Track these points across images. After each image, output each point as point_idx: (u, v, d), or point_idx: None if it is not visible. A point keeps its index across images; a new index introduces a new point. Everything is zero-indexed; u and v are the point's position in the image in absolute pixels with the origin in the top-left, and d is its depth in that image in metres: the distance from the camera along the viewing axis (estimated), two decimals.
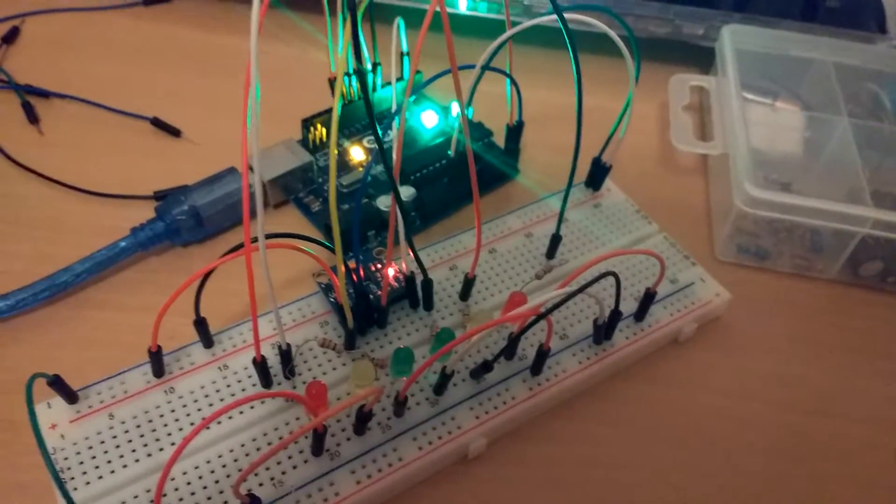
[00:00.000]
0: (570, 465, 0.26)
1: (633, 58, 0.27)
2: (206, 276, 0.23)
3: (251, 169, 0.20)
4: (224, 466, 0.23)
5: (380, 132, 0.21)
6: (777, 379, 0.29)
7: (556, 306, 0.22)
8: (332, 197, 0.22)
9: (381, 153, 0.21)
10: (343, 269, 0.23)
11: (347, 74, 0.35)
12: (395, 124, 0.24)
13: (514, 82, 0.31)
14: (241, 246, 0.22)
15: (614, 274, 0.24)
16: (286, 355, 0.25)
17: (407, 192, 0.32)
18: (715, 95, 0.36)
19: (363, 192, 0.23)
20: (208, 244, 0.31)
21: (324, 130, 0.35)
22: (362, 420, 0.24)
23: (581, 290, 0.22)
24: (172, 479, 0.23)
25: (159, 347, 0.24)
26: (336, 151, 0.34)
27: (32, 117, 0.36)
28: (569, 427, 0.27)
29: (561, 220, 0.29)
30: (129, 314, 0.29)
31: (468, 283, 0.28)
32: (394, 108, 0.36)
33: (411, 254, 0.25)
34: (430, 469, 0.24)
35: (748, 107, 0.35)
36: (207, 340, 0.26)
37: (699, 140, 0.35)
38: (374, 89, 0.36)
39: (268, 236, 0.22)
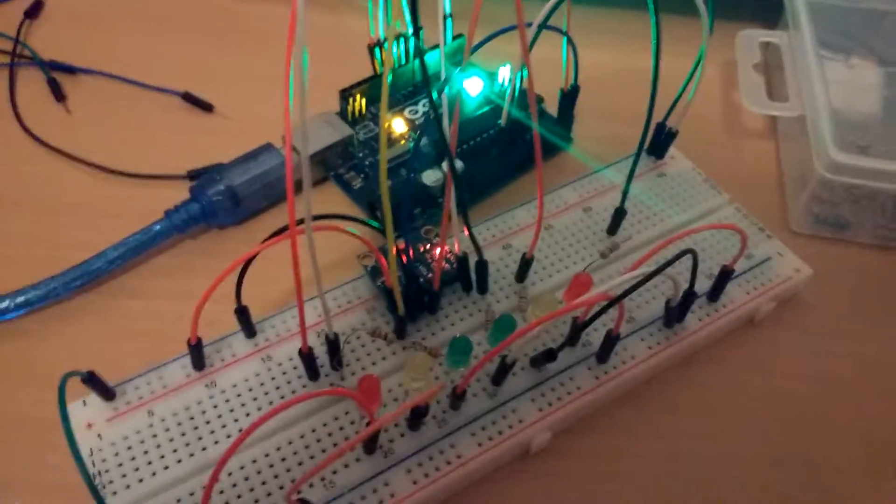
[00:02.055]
0: (641, 459, 0.24)
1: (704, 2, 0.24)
2: (248, 262, 0.21)
3: (295, 150, 0.18)
4: (271, 466, 0.22)
5: (435, 96, 0.18)
6: (863, 361, 0.26)
7: (630, 291, 0.20)
8: (382, 172, 0.20)
9: (436, 122, 0.19)
10: (394, 251, 0.21)
11: (379, 44, 0.32)
12: (445, 92, 0.22)
13: (571, 42, 0.28)
14: (284, 229, 0.20)
15: (693, 252, 0.22)
16: (333, 345, 0.23)
17: (456, 164, 0.30)
18: (787, 52, 0.33)
19: (413, 164, 0.21)
20: (246, 226, 0.30)
21: (363, 101, 0.33)
22: (417, 416, 0.22)
23: (658, 271, 0.20)
24: (217, 481, 0.21)
25: (199, 339, 0.23)
26: (387, 123, 0.32)
27: (59, 95, 0.34)
28: (638, 417, 0.25)
29: (626, 192, 0.26)
30: (166, 302, 0.27)
31: (526, 263, 0.26)
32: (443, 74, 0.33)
33: (465, 232, 0.23)
34: (490, 466, 0.23)
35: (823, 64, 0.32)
36: (249, 330, 0.24)
37: (772, 101, 0.32)
38: (415, 56, 0.34)
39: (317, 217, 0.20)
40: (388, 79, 0.18)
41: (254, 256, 0.21)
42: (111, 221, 0.29)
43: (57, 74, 0.35)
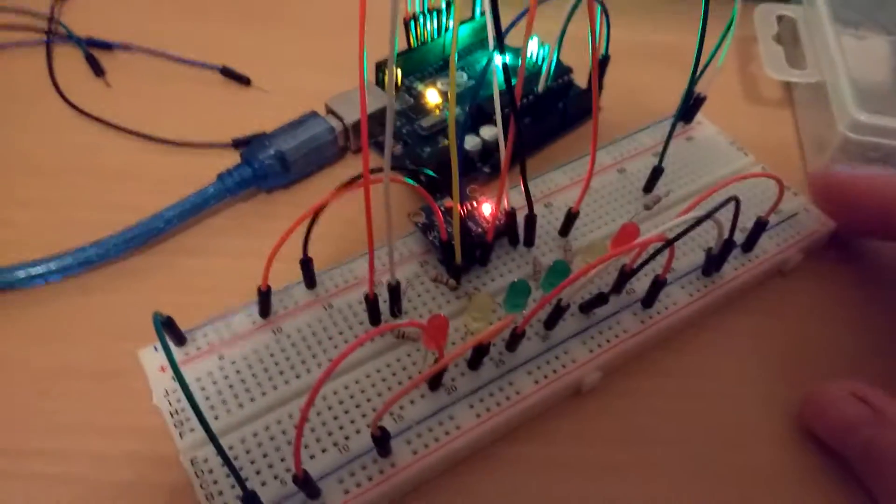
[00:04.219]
0: (684, 399, 0.25)
1: None
2: (318, 211, 0.23)
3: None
4: (341, 403, 0.23)
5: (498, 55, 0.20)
6: (883, 306, 0.28)
7: (685, 232, 0.22)
8: (451, 125, 0.21)
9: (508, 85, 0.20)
10: (458, 203, 0.23)
11: (415, 18, 0.33)
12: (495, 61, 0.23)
13: (605, 11, 0.29)
14: (358, 178, 0.22)
15: (736, 198, 0.23)
16: (395, 292, 0.24)
17: (489, 132, 0.31)
18: (802, 24, 0.35)
19: (466, 125, 0.23)
20: (293, 189, 0.31)
21: (399, 73, 0.34)
22: (479, 355, 0.23)
23: (710, 214, 0.22)
24: (290, 416, 0.22)
25: (269, 287, 0.24)
26: (455, 72, 0.33)
27: (98, 70, 0.35)
28: (680, 360, 0.26)
29: (665, 150, 0.28)
30: (223, 259, 0.28)
31: (571, 217, 0.27)
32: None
33: (522, 186, 0.25)
34: (546, 403, 0.24)
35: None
36: (311, 280, 0.25)
37: (791, 69, 0.33)
38: (447, 29, 0.35)
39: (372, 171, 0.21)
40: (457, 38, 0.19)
41: (324, 206, 0.22)
42: (159, 186, 0.29)
43: (93, 50, 0.36)
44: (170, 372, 0.23)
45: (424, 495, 0.22)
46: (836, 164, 0.30)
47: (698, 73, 0.29)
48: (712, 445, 0.24)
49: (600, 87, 0.34)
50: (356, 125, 0.31)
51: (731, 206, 0.23)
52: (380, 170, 0.22)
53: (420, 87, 0.34)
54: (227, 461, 0.18)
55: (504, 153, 0.23)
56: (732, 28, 0.27)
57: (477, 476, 0.23)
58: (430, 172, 0.24)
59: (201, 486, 0.21)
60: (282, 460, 0.21)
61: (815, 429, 0.24)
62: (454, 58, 0.20)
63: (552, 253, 0.27)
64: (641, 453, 0.24)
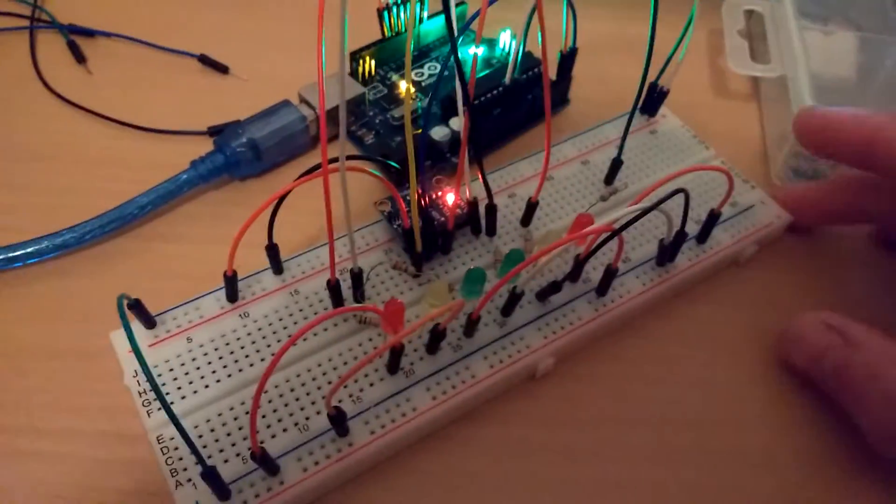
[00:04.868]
0: (638, 383, 0.26)
1: None
2: (282, 198, 0.23)
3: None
4: (303, 385, 0.24)
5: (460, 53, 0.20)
6: (836, 296, 0.29)
7: (631, 222, 0.22)
8: (407, 118, 0.22)
9: (460, 78, 0.21)
10: (417, 191, 0.24)
11: (388, 8, 0.34)
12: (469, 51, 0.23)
13: (570, 5, 0.30)
14: (317, 167, 0.22)
15: (685, 191, 0.24)
16: (357, 278, 0.25)
17: (459, 122, 0.32)
18: (769, 19, 0.36)
19: (428, 115, 0.23)
20: (265, 178, 0.32)
21: (372, 63, 0.35)
22: (436, 339, 0.24)
23: (656, 205, 0.22)
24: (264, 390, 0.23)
25: (235, 272, 0.25)
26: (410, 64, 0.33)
27: (79, 57, 0.36)
28: (634, 346, 0.27)
29: (623, 143, 0.28)
30: (194, 246, 0.29)
31: (531, 207, 0.28)
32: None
33: (480, 178, 0.25)
34: (501, 386, 0.25)
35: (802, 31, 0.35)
36: (277, 267, 0.26)
37: (755, 63, 0.34)
38: (421, 21, 0.36)
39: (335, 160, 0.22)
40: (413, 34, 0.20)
41: (287, 193, 0.23)
42: (136, 173, 0.30)
43: (76, 37, 0.37)
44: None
45: (381, 474, 0.23)
46: (793, 158, 0.31)
47: (657, 66, 0.30)
48: (666, 427, 0.25)
49: (569, 79, 0.35)
50: (329, 113, 0.32)
51: (683, 198, 0.24)
52: (355, 157, 0.23)
53: (394, 77, 0.35)
54: (185, 437, 0.19)
55: (464, 143, 0.24)
56: (692, 23, 0.28)
57: (433, 456, 0.24)
58: (393, 164, 0.25)
59: (167, 461, 0.22)
60: (244, 439, 0.22)
61: (791, 358, 0.26)
62: (410, 48, 0.21)
63: (514, 243, 0.28)
64: (595, 435, 0.25)
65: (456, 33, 0.24)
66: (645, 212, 0.22)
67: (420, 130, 0.32)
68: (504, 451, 0.24)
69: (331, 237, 0.23)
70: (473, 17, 0.23)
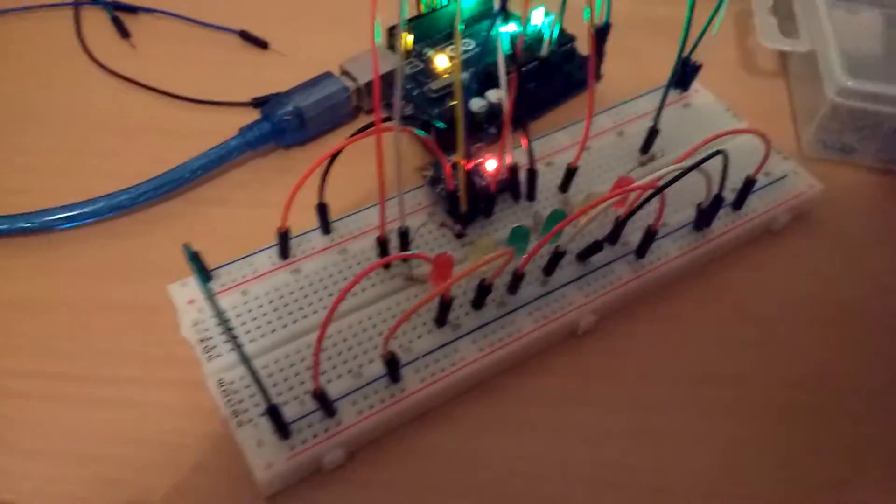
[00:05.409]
0: (676, 342, 0.27)
1: None
2: (334, 157, 0.24)
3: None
4: (355, 336, 0.25)
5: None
6: (865, 265, 0.29)
7: (674, 180, 0.23)
8: (457, 84, 0.23)
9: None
10: (465, 156, 0.24)
11: None
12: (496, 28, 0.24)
13: None
14: (370, 125, 0.23)
15: (724, 152, 0.25)
16: (405, 236, 0.26)
17: (497, 94, 0.33)
18: None
19: (472, 88, 0.24)
20: (308, 146, 0.33)
21: (410, 38, 0.36)
22: (482, 294, 0.25)
23: (698, 164, 0.23)
24: (309, 347, 0.24)
25: (288, 229, 0.26)
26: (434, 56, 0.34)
27: (123, 32, 0.37)
28: (672, 307, 0.28)
29: (660, 112, 0.29)
30: (241, 209, 0.30)
31: (570, 172, 0.29)
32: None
33: (524, 143, 0.26)
34: (544, 341, 0.26)
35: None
36: (326, 226, 0.27)
37: (785, 38, 0.35)
38: None
39: (384, 121, 0.23)
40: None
41: (340, 150, 0.24)
42: (179, 141, 0.31)
43: (119, 13, 0.38)
44: (197, 304, 0.25)
45: (431, 420, 0.24)
46: (823, 130, 0.32)
47: (692, 42, 0.30)
48: (703, 383, 0.26)
49: (602, 54, 0.35)
50: (369, 85, 0.33)
51: (722, 162, 0.25)
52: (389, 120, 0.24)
53: (430, 52, 0.36)
54: (253, 374, 0.19)
55: (507, 109, 0.25)
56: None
57: (480, 404, 0.25)
58: (440, 124, 0.26)
59: (228, 403, 0.23)
60: (301, 384, 0.23)
61: None
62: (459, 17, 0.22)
63: (552, 207, 0.29)
64: (634, 389, 0.26)
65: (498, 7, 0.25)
66: (688, 170, 0.23)
67: (457, 102, 0.33)
68: (547, 400, 0.25)
69: (382, 193, 0.24)
70: None
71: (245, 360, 0.19)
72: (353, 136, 0.24)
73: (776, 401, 0.26)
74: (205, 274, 0.25)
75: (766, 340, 0.27)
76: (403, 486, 0.23)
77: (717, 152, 0.24)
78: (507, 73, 0.33)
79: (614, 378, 0.26)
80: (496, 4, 0.25)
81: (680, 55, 0.28)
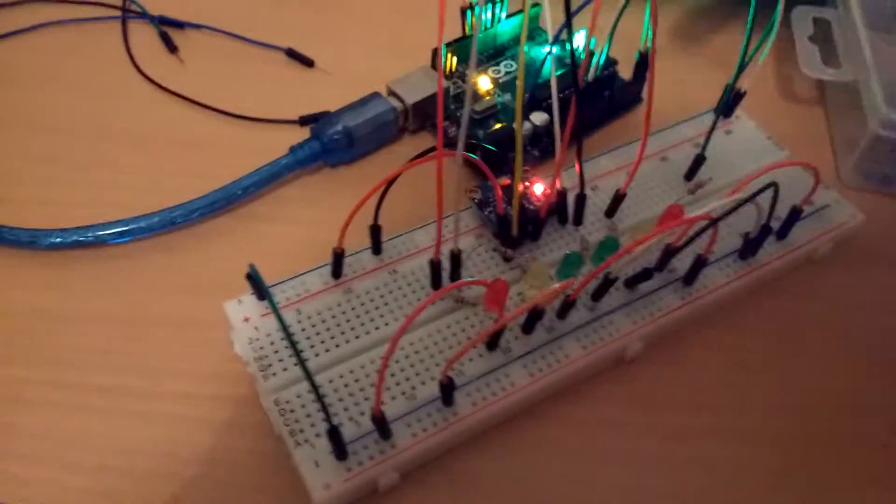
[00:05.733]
0: (722, 368, 0.27)
1: None
2: (392, 180, 0.25)
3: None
4: (407, 357, 0.25)
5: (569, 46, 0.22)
6: None
7: (730, 212, 0.23)
8: (518, 110, 0.23)
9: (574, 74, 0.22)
10: (521, 180, 0.25)
11: (471, 7, 0.35)
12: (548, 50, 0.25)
13: (654, 5, 0.31)
14: (427, 151, 0.24)
15: (775, 184, 0.25)
16: (457, 259, 0.26)
17: (540, 117, 0.33)
18: (837, 26, 0.37)
19: (525, 105, 0.25)
20: (355, 166, 0.33)
21: (454, 59, 0.36)
22: (533, 319, 0.25)
23: (753, 196, 0.24)
24: (362, 367, 0.25)
25: (343, 249, 0.26)
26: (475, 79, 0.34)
27: (171, 47, 0.38)
28: (718, 335, 0.28)
29: (708, 140, 0.30)
30: (289, 227, 0.30)
31: (618, 198, 0.29)
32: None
33: (577, 167, 0.27)
34: (592, 368, 0.26)
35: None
36: (377, 247, 0.27)
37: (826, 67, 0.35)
38: (499, 21, 0.37)
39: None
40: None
41: (398, 175, 0.25)
42: (234, 158, 0.32)
43: (166, 28, 0.38)
44: (253, 322, 0.25)
45: (482, 444, 0.25)
46: (864, 161, 0.32)
47: (739, 68, 0.31)
48: (749, 412, 0.26)
49: (644, 78, 0.36)
50: (416, 106, 0.33)
51: (773, 193, 0.25)
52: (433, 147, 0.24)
53: (473, 73, 0.36)
54: (317, 394, 0.20)
55: (558, 135, 0.25)
56: (776, 26, 0.29)
57: (528, 430, 0.25)
58: (489, 146, 0.27)
59: (285, 423, 0.23)
60: (355, 404, 0.24)
61: None
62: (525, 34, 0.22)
63: (598, 232, 0.29)
64: (681, 417, 0.26)
65: (555, 34, 0.25)
66: (743, 202, 0.23)
67: (502, 125, 0.34)
68: (595, 428, 0.25)
69: (439, 216, 0.24)
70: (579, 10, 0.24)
71: (310, 378, 0.20)
72: (413, 159, 0.24)
73: (818, 430, 0.26)
74: (260, 292, 0.26)
75: (810, 369, 0.27)
76: None
77: (770, 185, 0.25)
78: (561, 94, 0.34)
79: (662, 405, 0.26)
80: (547, 29, 0.25)
81: (733, 83, 0.29)
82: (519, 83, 0.23)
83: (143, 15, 0.39)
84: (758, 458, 0.25)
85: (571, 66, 0.24)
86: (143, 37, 0.38)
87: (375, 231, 0.27)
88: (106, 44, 0.38)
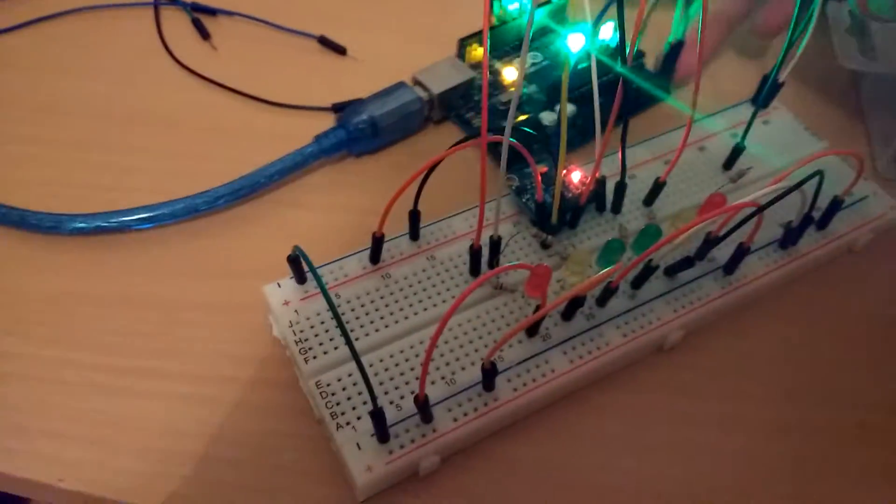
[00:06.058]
0: (762, 359, 0.27)
1: None
2: (435, 165, 0.25)
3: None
4: (446, 343, 0.25)
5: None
6: None
7: (776, 200, 0.23)
8: (563, 101, 0.23)
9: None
10: (563, 166, 0.25)
11: None
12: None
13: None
14: (469, 137, 0.24)
15: (821, 172, 0.25)
16: (496, 245, 0.26)
17: (567, 109, 0.33)
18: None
19: (542, 94, 0.25)
20: (378, 155, 0.33)
21: (480, 50, 0.36)
22: (574, 306, 0.25)
23: (799, 185, 0.23)
24: (402, 352, 0.24)
25: (383, 234, 0.26)
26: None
27: (204, 33, 0.38)
28: (757, 324, 0.28)
29: (748, 130, 0.29)
30: (314, 213, 0.30)
31: (658, 187, 0.29)
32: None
33: (619, 156, 0.26)
34: (632, 355, 0.26)
35: None
36: (415, 232, 0.27)
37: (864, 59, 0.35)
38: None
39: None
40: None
41: (440, 161, 0.24)
42: (263, 143, 0.32)
43: (199, 15, 0.38)
44: (293, 305, 0.25)
45: (522, 430, 0.24)
46: None
47: (779, 59, 0.30)
48: (788, 402, 0.26)
49: (672, 70, 0.35)
50: (441, 96, 0.33)
51: (817, 182, 0.25)
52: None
53: (498, 65, 0.36)
54: (364, 376, 0.20)
55: (598, 122, 0.25)
56: (814, 16, 0.29)
57: (568, 417, 0.25)
58: (529, 130, 0.26)
59: (327, 405, 0.23)
60: (396, 388, 0.24)
61: None
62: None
63: (636, 221, 0.29)
64: (720, 405, 0.26)
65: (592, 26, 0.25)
66: (790, 190, 0.23)
67: (528, 115, 0.33)
68: (634, 415, 0.25)
69: (482, 202, 0.24)
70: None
71: (357, 359, 0.19)
72: (455, 145, 0.24)
73: (855, 422, 0.26)
74: (300, 276, 0.26)
75: (848, 360, 0.27)
76: (490, 496, 0.23)
77: (816, 173, 0.24)
78: (583, 86, 0.34)
79: (702, 394, 0.26)
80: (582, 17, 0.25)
81: (774, 73, 0.29)
82: (565, 74, 0.23)
83: (175, 2, 0.39)
84: (795, 448, 0.25)
85: (620, 49, 0.24)
86: (176, 23, 0.38)
87: (414, 217, 0.27)
88: (139, 29, 0.38)
